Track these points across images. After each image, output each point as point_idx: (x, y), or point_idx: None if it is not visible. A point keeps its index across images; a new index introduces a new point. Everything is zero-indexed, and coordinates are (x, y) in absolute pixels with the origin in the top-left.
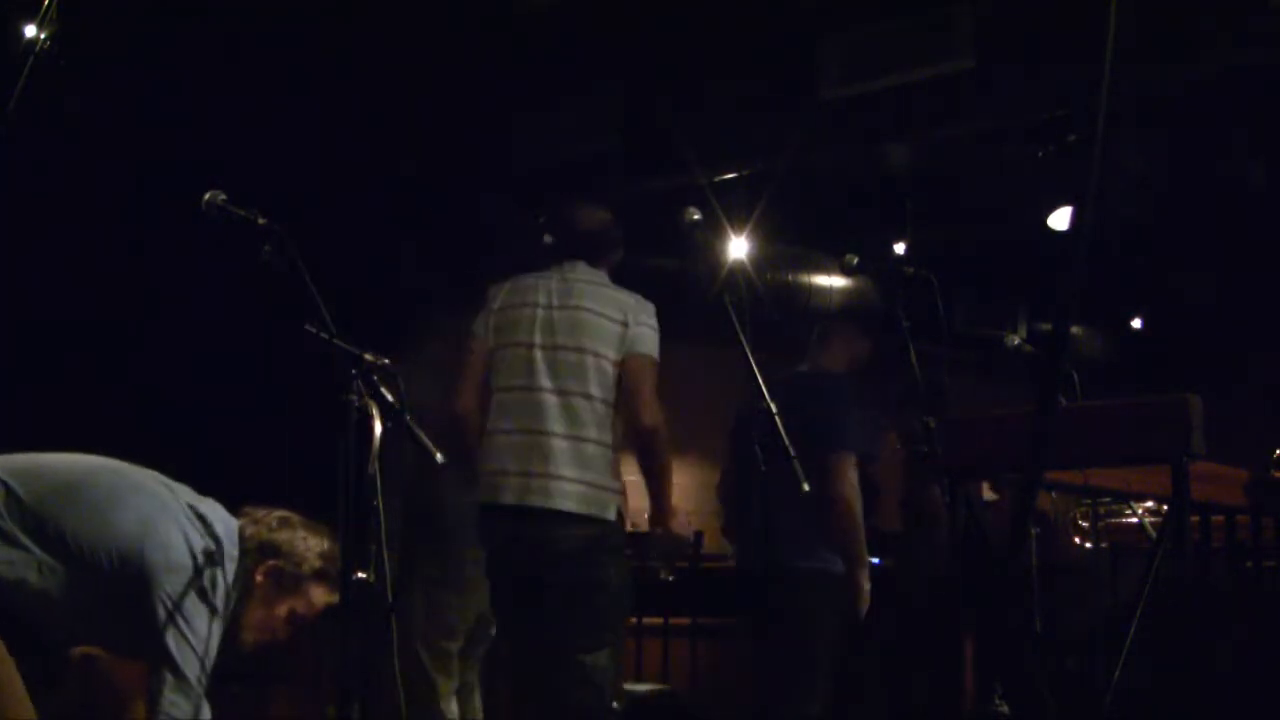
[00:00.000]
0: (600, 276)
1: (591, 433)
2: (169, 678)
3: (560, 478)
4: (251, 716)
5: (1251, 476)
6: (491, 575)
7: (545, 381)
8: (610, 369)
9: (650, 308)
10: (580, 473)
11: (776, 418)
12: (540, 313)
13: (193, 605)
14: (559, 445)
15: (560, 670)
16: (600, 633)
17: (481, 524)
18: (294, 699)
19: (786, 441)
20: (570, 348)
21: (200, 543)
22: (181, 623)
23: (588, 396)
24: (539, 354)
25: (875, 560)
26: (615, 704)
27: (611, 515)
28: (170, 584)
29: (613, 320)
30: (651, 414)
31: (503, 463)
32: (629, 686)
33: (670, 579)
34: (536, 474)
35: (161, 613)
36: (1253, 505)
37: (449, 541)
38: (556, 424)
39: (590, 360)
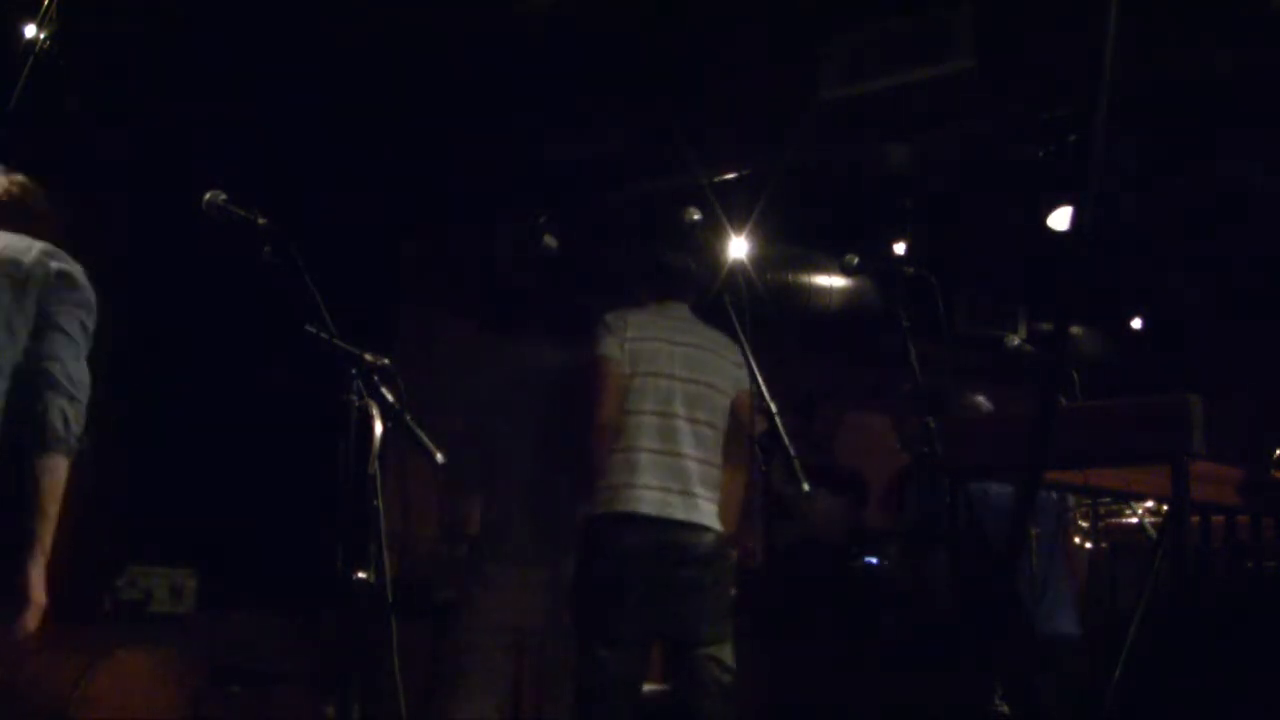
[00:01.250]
0: (694, 316)
1: (715, 457)
2: None
3: (695, 495)
4: (251, 716)
5: (1246, 477)
6: (629, 575)
7: (681, 409)
8: (725, 402)
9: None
10: (710, 491)
11: (777, 417)
12: (677, 349)
13: None
14: (692, 466)
15: (702, 660)
16: (728, 625)
17: (610, 531)
18: (294, 699)
19: (787, 441)
20: (701, 382)
21: None
22: None
23: (712, 425)
24: (677, 385)
25: (873, 560)
26: None
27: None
28: None
29: (728, 360)
30: None
31: (644, 478)
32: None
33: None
34: (676, 490)
35: None
36: (1247, 506)
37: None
38: (689, 447)
39: (715, 394)
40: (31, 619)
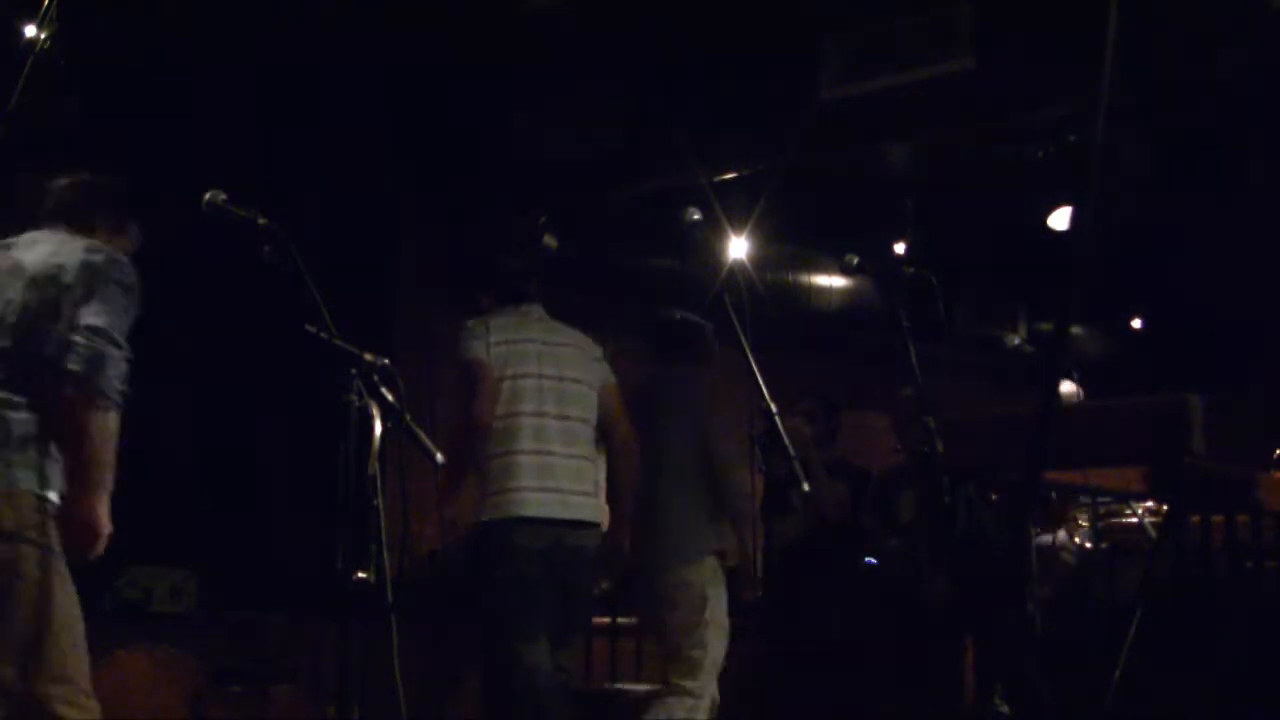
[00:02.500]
0: (550, 315)
1: (588, 451)
2: None
3: (566, 491)
4: (251, 716)
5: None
6: (531, 573)
7: (551, 408)
8: (594, 397)
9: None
10: (582, 485)
11: (777, 417)
12: (544, 349)
13: None
14: (559, 463)
15: (564, 656)
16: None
17: (503, 534)
18: (294, 699)
19: (787, 441)
20: (568, 378)
21: None
22: None
23: (584, 421)
24: (547, 384)
25: (873, 560)
26: None
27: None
28: None
29: (591, 356)
30: (630, 428)
31: (523, 480)
32: (629, 686)
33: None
34: (551, 489)
35: None
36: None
37: None
38: (559, 445)
39: (584, 389)
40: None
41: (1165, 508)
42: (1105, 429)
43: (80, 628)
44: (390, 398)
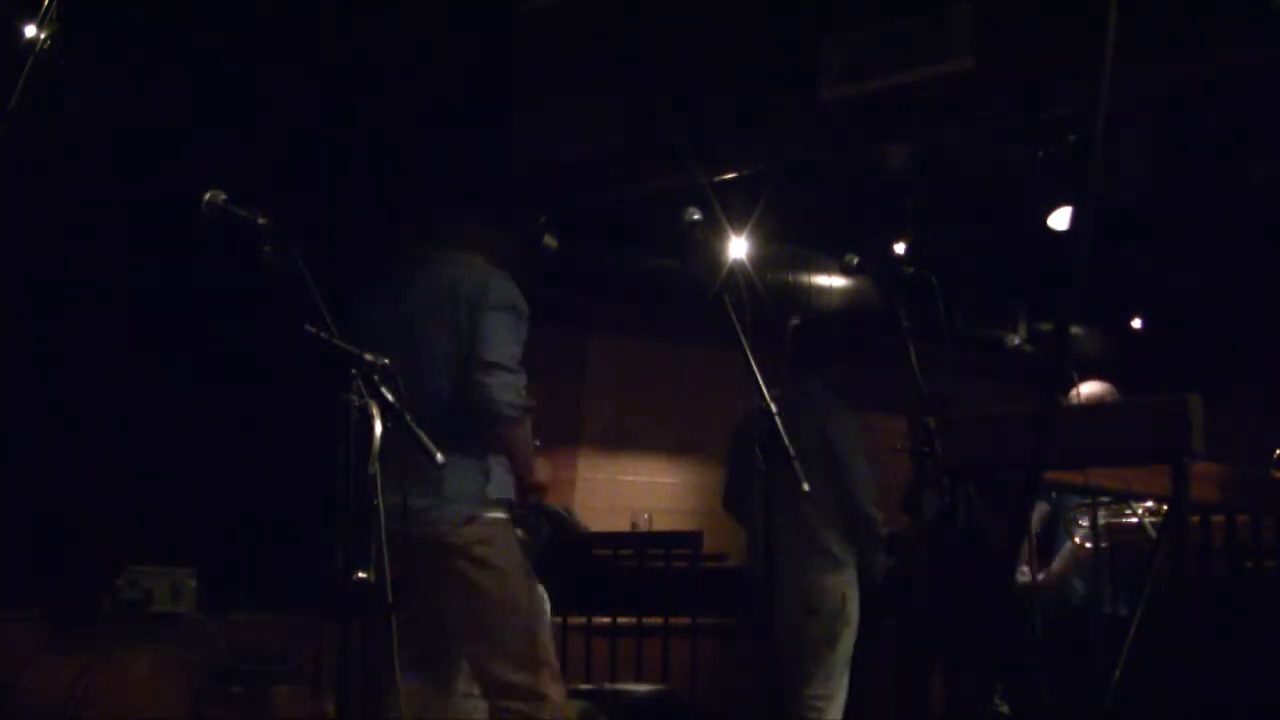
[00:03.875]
0: None
1: None
2: None
3: None
4: (251, 716)
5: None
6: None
7: None
8: None
9: None
10: None
11: (777, 418)
12: None
13: None
14: None
15: None
16: None
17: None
18: (294, 699)
19: (787, 441)
20: None
21: None
22: None
23: None
24: None
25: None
26: None
27: None
28: None
29: None
30: None
31: None
32: (630, 686)
33: None
34: None
35: None
36: (1247, 505)
37: None
38: None
39: None
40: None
41: (1165, 508)
42: (1105, 429)
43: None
44: (390, 398)
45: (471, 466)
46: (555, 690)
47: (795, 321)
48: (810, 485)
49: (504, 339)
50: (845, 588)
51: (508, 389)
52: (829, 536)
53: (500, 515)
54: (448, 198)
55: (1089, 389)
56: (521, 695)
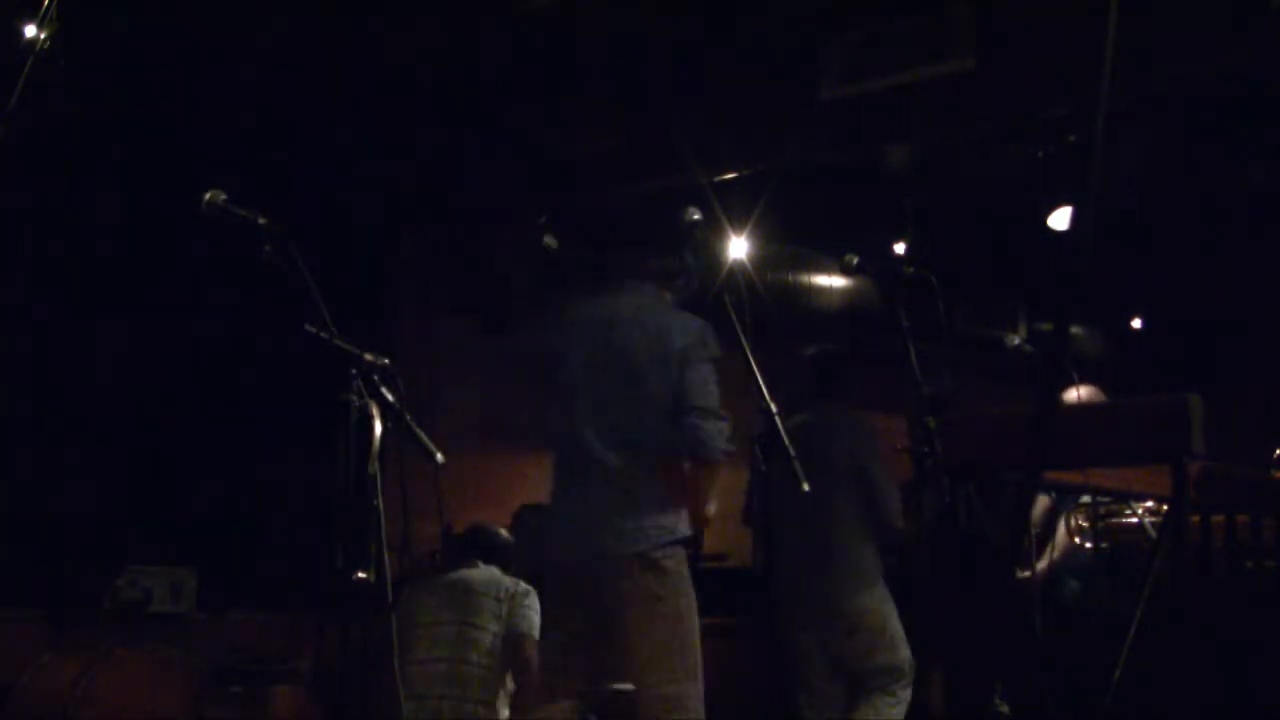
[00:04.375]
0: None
1: None
2: None
3: None
4: (251, 716)
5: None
6: None
7: None
8: None
9: None
10: None
11: (777, 418)
12: None
13: None
14: None
15: None
16: None
17: None
18: (294, 699)
19: (787, 441)
20: None
21: None
22: None
23: None
24: None
25: None
26: None
27: None
28: None
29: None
30: None
31: None
32: (630, 686)
33: None
34: None
35: None
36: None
37: None
38: None
39: None
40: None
41: (1165, 508)
42: (1105, 429)
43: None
44: (390, 398)
45: (666, 497)
46: (696, 690)
47: (812, 352)
48: (811, 486)
49: (712, 387)
50: (882, 603)
51: (721, 435)
52: (863, 552)
53: (683, 543)
54: (627, 237)
55: (1079, 393)
56: (675, 700)
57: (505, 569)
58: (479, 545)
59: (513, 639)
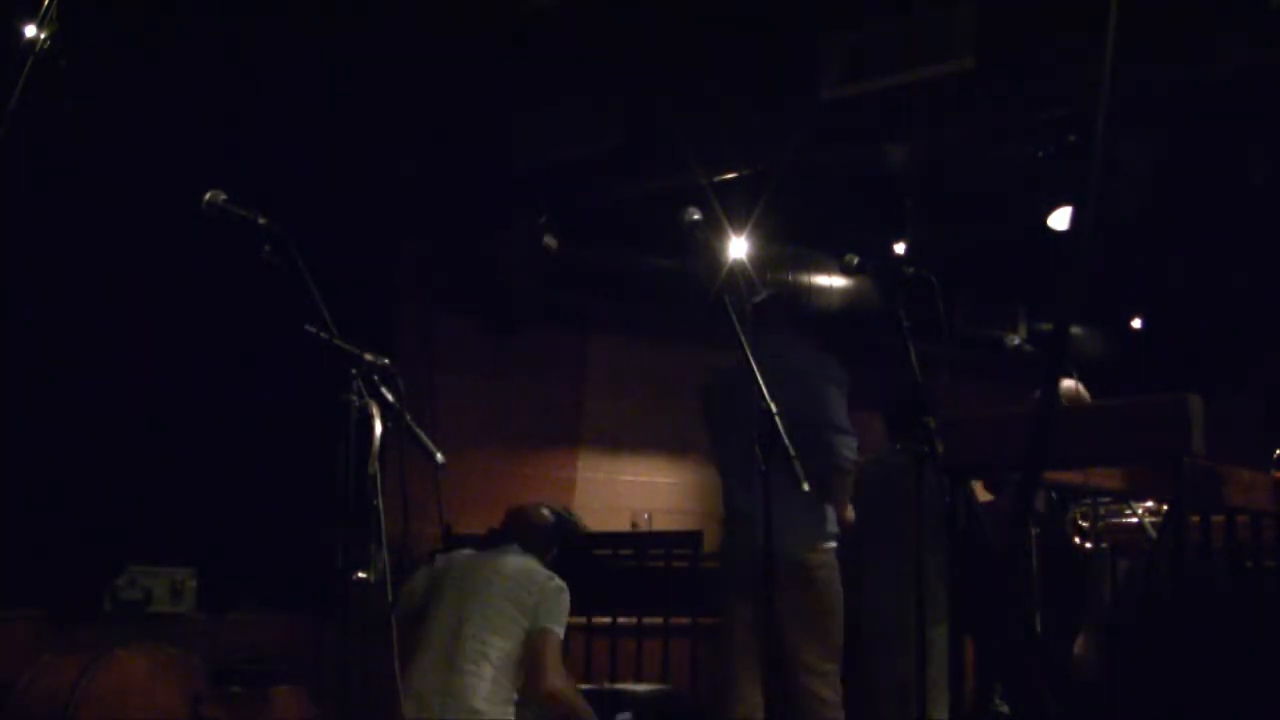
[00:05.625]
0: None
1: None
2: None
3: None
4: (251, 716)
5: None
6: None
7: None
8: None
9: None
10: None
11: (777, 418)
12: None
13: None
14: None
15: None
16: None
17: None
18: (294, 699)
19: (787, 441)
20: None
21: None
22: None
23: None
24: None
25: None
26: None
27: None
28: None
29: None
30: None
31: None
32: (629, 686)
33: None
34: None
35: None
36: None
37: None
38: None
39: None
40: None
41: (1165, 508)
42: (1105, 429)
43: None
44: (390, 398)
45: (822, 503)
46: (836, 671)
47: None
48: (810, 485)
49: (842, 409)
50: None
51: (850, 448)
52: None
53: (834, 541)
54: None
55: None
56: (823, 676)
57: (543, 556)
58: (518, 531)
59: (536, 634)
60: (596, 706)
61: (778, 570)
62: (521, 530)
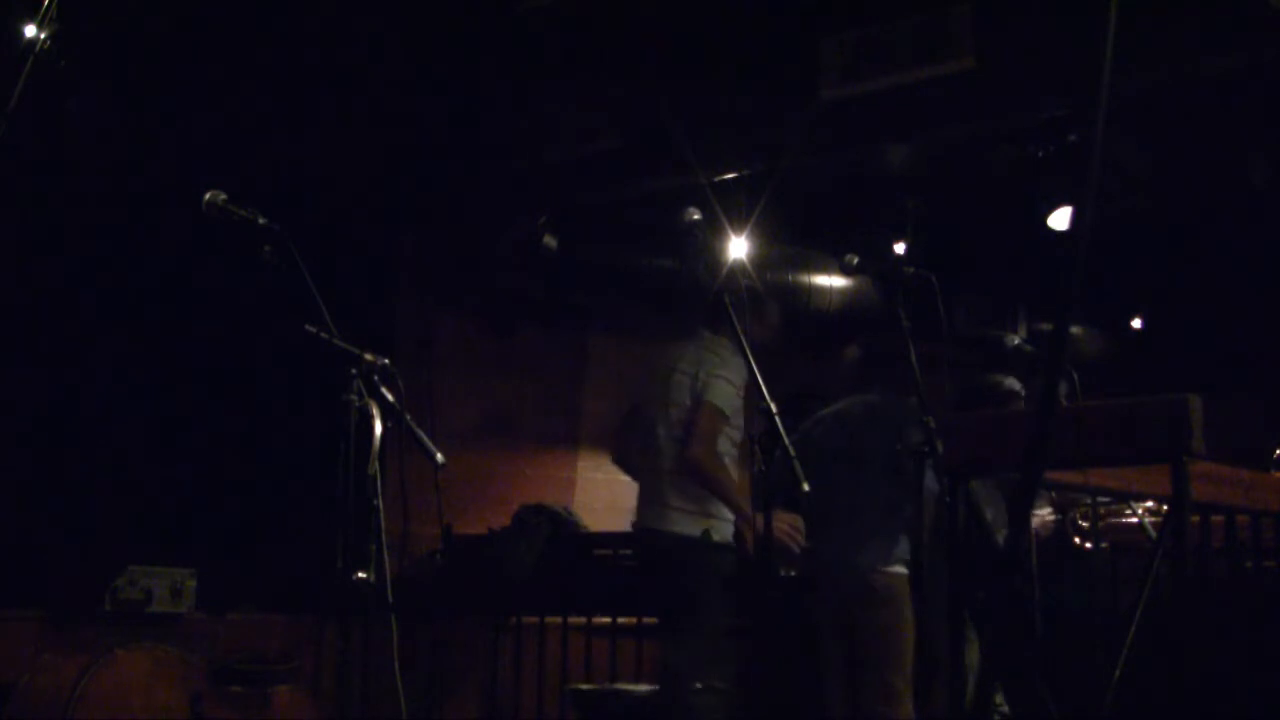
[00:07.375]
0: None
1: None
2: None
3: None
4: (251, 716)
5: None
6: None
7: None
8: None
9: None
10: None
11: (777, 418)
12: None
13: None
14: None
15: None
16: None
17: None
18: (294, 699)
19: (787, 441)
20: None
21: None
22: None
23: None
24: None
25: None
26: None
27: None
28: None
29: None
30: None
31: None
32: (630, 686)
33: None
34: None
35: None
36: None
37: None
38: None
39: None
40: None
41: (1165, 508)
42: (1105, 429)
43: None
44: (390, 398)
45: (892, 526)
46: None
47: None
48: (810, 486)
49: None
50: None
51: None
52: None
53: (902, 566)
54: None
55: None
56: (892, 695)
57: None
58: None
59: None
60: (597, 706)
61: (844, 588)
62: None
